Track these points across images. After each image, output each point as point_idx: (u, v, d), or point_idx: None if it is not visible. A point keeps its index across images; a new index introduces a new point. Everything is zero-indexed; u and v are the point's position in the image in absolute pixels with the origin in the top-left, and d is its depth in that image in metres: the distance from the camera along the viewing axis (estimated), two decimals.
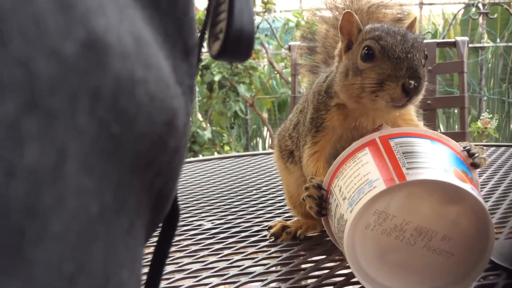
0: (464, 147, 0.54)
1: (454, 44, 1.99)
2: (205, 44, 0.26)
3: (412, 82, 0.51)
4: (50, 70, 0.15)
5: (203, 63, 2.91)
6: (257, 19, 3.38)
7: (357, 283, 0.57)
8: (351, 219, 0.48)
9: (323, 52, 0.74)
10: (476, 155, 0.53)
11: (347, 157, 0.54)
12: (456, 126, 3.74)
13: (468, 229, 0.49)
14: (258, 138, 4.06)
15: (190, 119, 0.23)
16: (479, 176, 0.98)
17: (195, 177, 1.15)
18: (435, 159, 0.50)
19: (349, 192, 0.51)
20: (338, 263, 0.63)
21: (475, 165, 0.53)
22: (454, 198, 0.48)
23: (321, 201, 0.55)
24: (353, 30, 0.56)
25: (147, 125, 0.18)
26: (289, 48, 1.98)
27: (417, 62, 0.52)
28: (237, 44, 0.22)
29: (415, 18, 0.60)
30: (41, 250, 0.15)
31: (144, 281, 0.27)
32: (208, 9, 0.23)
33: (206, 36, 0.24)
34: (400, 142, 0.52)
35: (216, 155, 2.78)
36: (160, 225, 0.27)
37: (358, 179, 0.51)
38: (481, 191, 0.54)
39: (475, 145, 0.55)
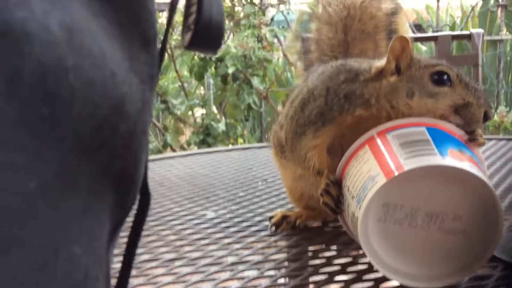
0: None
1: (469, 37, 1.96)
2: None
3: (492, 111, 0.58)
4: None
5: (217, 56, 2.92)
6: (272, 12, 3.37)
7: (352, 272, 0.58)
8: (361, 215, 0.51)
9: (317, 50, 0.75)
10: (474, 131, 0.56)
11: (350, 158, 0.56)
12: None
13: (477, 207, 0.50)
14: None
15: (152, 105, 0.24)
16: (490, 168, 0.98)
17: (203, 168, 1.16)
18: (431, 144, 0.52)
19: (356, 190, 0.53)
20: (336, 253, 0.64)
21: (472, 141, 0.56)
22: (456, 178, 0.50)
23: (338, 199, 0.58)
24: (404, 57, 0.58)
25: (87, 108, 0.19)
26: (302, 40, 1.98)
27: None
28: (207, 35, 0.24)
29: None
30: None
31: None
32: (172, 2, 0.25)
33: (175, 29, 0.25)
34: (397, 134, 0.54)
35: (224, 147, 2.79)
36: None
37: (362, 177, 0.53)
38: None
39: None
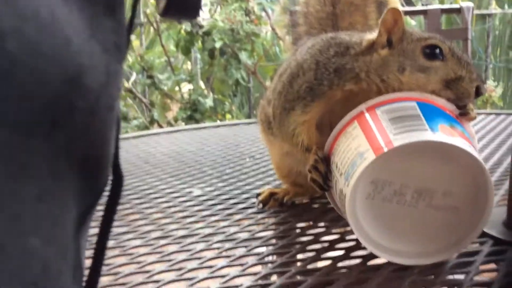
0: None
1: (459, 11, 1.94)
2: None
3: (485, 87, 0.57)
4: None
5: (204, 29, 2.86)
6: None
7: (339, 249, 0.57)
8: (349, 192, 0.50)
9: (305, 24, 0.73)
10: (465, 105, 0.55)
11: (339, 133, 0.55)
12: None
13: (467, 183, 0.50)
14: None
15: (121, 79, 0.22)
16: (479, 143, 0.97)
17: (189, 144, 1.15)
18: (422, 120, 0.51)
19: (344, 167, 0.52)
20: (323, 230, 0.63)
21: (463, 115, 0.55)
22: (447, 154, 0.49)
23: (326, 176, 0.57)
24: (396, 30, 0.57)
25: (34, 81, 0.17)
26: (290, 13, 1.94)
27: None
28: (182, 1, 0.21)
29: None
30: None
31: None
32: None
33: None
34: (386, 109, 0.53)
35: (211, 123, 2.76)
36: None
37: (351, 153, 0.52)
38: None
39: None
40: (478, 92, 0.55)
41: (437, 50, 0.56)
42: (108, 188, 0.25)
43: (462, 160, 0.49)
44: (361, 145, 0.51)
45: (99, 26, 0.20)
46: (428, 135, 0.49)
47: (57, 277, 0.19)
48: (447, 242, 0.51)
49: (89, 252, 0.29)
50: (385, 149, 0.48)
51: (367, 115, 0.53)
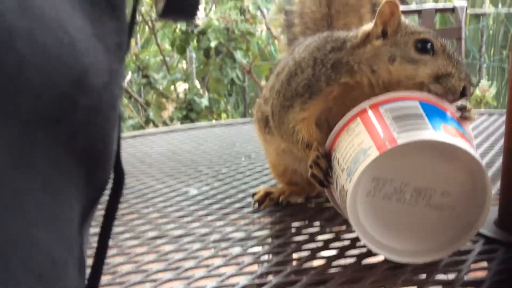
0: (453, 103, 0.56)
1: (452, 10, 1.96)
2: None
3: (472, 89, 0.57)
4: None
5: (199, 29, 2.87)
6: None
7: (334, 248, 0.58)
8: (351, 188, 0.50)
9: (300, 24, 0.74)
10: (465, 108, 0.56)
11: (341, 130, 0.56)
12: None
13: (466, 184, 0.51)
14: None
15: (122, 78, 0.22)
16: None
17: (185, 144, 1.15)
18: (425, 119, 0.52)
19: (346, 163, 0.53)
20: (319, 229, 0.64)
21: (465, 118, 0.56)
22: (448, 154, 0.50)
23: (327, 171, 0.57)
24: (392, 22, 0.58)
25: (40, 81, 0.17)
26: (286, 13, 1.95)
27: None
28: (181, 2, 0.22)
29: None
30: None
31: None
32: None
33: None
34: (390, 107, 0.54)
35: (207, 122, 2.76)
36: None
37: (353, 149, 0.52)
38: None
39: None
40: (464, 92, 0.56)
41: (429, 45, 0.57)
42: (109, 186, 0.25)
43: (462, 161, 0.50)
44: (364, 141, 0.51)
45: (101, 26, 0.20)
46: (431, 134, 0.50)
47: (64, 269, 0.19)
48: (443, 241, 0.52)
49: (90, 251, 0.29)
50: (389, 147, 0.49)
51: (370, 112, 0.54)
